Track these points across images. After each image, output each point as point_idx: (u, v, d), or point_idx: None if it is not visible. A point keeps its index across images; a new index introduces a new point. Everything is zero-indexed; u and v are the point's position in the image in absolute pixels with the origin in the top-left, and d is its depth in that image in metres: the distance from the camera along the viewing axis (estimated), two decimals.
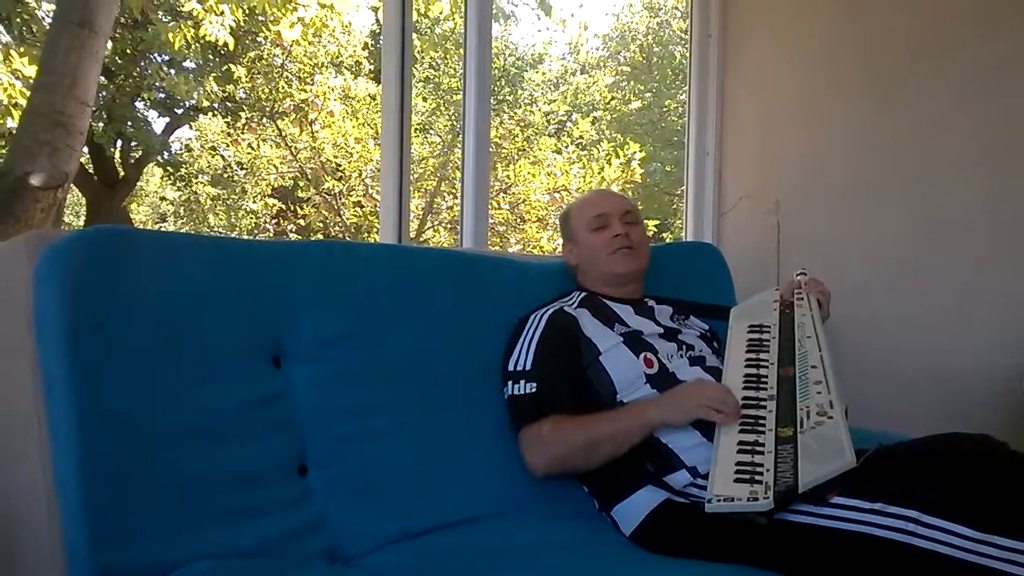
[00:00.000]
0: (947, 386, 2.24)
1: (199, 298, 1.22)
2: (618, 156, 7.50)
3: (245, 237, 6.01)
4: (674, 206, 10.24)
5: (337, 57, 8.25)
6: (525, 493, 1.44)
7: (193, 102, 8.49)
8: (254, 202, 8.90)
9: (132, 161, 9.26)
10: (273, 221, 8.61)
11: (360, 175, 7.66)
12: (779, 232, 2.54)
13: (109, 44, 6.04)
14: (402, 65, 1.99)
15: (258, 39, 8.08)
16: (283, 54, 8.04)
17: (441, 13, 7.83)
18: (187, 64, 8.34)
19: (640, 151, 7.70)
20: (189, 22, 6.23)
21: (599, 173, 7.50)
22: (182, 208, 10.11)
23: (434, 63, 9.30)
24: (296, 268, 1.36)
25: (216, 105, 8.75)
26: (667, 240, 8.24)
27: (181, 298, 1.19)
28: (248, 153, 8.08)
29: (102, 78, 6.64)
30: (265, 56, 8.18)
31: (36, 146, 3.87)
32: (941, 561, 1.05)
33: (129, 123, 8.60)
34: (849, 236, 2.46)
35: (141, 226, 10.25)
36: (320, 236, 7.85)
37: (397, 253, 1.67)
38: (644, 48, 11.74)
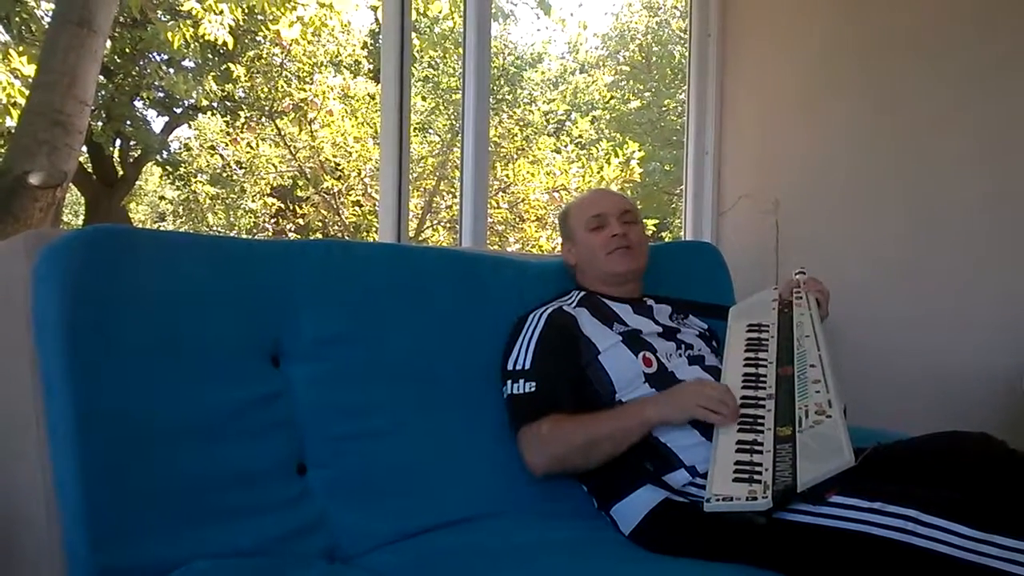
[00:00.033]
0: (946, 385, 2.24)
1: (198, 297, 1.22)
2: (617, 155, 7.50)
3: (244, 236, 6.02)
4: (673, 205, 10.24)
5: (336, 56, 8.25)
6: (524, 492, 1.44)
7: (192, 101, 8.48)
8: (253, 201, 8.89)
9: (131, 160, 9.26)
10: (272, 220, 8.61)
11: (359, 174, 7.66)
12: (778, 232, 2.54)
13: (108, 43, 6.04)
14: (401, 64, 1.99)
15: (257, 38, 8.08)
16: (282, 53, 8.03)
17: (440, 12, 7.82)
18: (186, 63, 8.33)
19: (639, 150, 7.70)
20: (188, 21, 6.23)
21: (598, 172, 7.50)
22: (181, 207, 10.10)
23: (433, 62, 9.30)
24: (295, 267, 1.36)
25: (215, 104, 8.75)
26: (666, 239, 8.24)
27: (180, 297, 1.19)
28: (247, 152, 8.07)
29: (101, 77, 6.64)
30: (264, 55, 8.18)
31: (35, 145, 3.87)
32: (940, 560, 1.05)
33: (128, 122, 8.60)
34: (848, 236, 2.46)
35: (140, 225, 10.24)
36: (319, 235, 7.85)
37: (396, 252, 1.66)
38: (643, 47, 11.74)
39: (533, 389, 1.44)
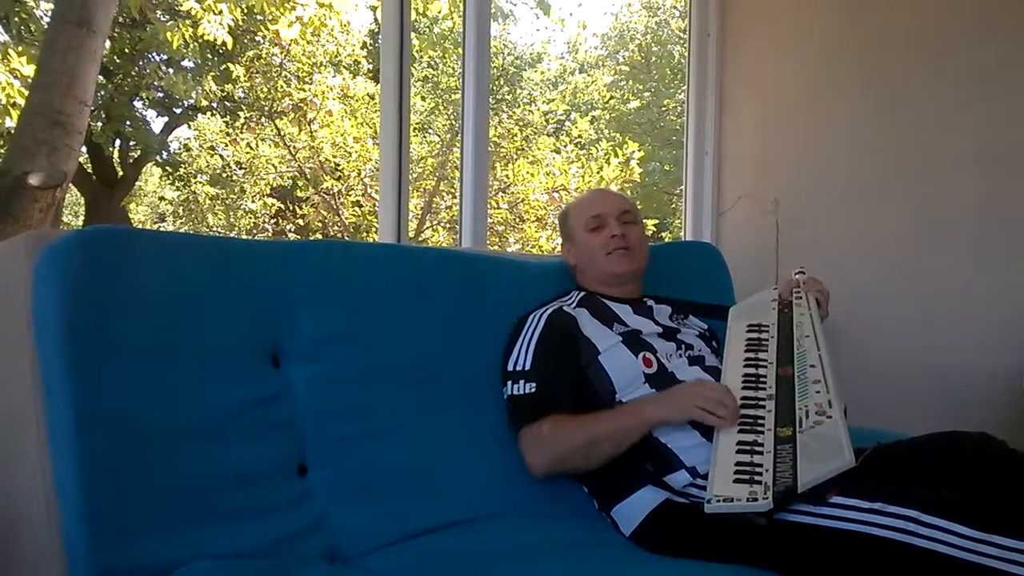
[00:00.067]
0: (947, 385, 2.24)
1: (198, 298, 1.22)
2: (617, 155, 7.50)
3: (244, 237, 6.02)
4: (673, 205, 10.25)
5: (336, 56, 8.24)
6: (525, 493, 1.44)
7: (191, 101, 8.48)
8: (253, 202, 8.89)
9: (131, 161, 9.26)
10: (272, 221, 8.61)
11: (359, 174, 7.66)
12: (778, 232, 2.54)
13: (107, 43, 6.04)
14: (401, 64, 1.99)
15: (256, 38, 8.07)
16: (281, 53, 8.03)
17: (440, 12, 7.82)
18: (185, 63, 8.33)
19: (639, 150, 7.70)
20: (187, 21, 6.22)
21: (598, 172, 7.50)
22: (181, 208, 10.10)
23: (433, 62, 9.30)
24: (295, 268, 1.36)
25: (215, 104, 8.75)
26: (666, 239, 8.24)
27: (180, 298, 1.19)
28: (247, 152, 8.07)
29: (100, 77, 6.63)
30: (264, 55, 8.18)
31: (35, 145, 3.86)
32: (941, 560, 1.05)
33: (128, 122, 8.60)
34: (848, 235, 2.46)
35: (140, 226, 10.24)
36: (319, 236, 7.85)
37: (396, 252, 1.66)
38: (643, 47, 11.74)
39: (533, 390, 1.44)
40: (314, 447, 1.29)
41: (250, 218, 9.14)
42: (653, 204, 10.30)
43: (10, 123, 5.24)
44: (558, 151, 8.75)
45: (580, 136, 9.70)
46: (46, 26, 5.67)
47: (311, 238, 7.08)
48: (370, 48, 8.58)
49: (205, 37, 6.04)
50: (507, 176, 7.64)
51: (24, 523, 1.11)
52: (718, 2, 2.72)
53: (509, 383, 1.48)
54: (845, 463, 1.14)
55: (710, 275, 2.05)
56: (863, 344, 2.27)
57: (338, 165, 7.74)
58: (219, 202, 9.21)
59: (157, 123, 9.48)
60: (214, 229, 9.37)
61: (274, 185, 8.49)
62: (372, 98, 7.78)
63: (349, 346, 1.38)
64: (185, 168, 9.44)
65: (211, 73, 8.11)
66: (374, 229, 7.49)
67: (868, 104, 2.43)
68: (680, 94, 10.17)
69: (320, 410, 1.32)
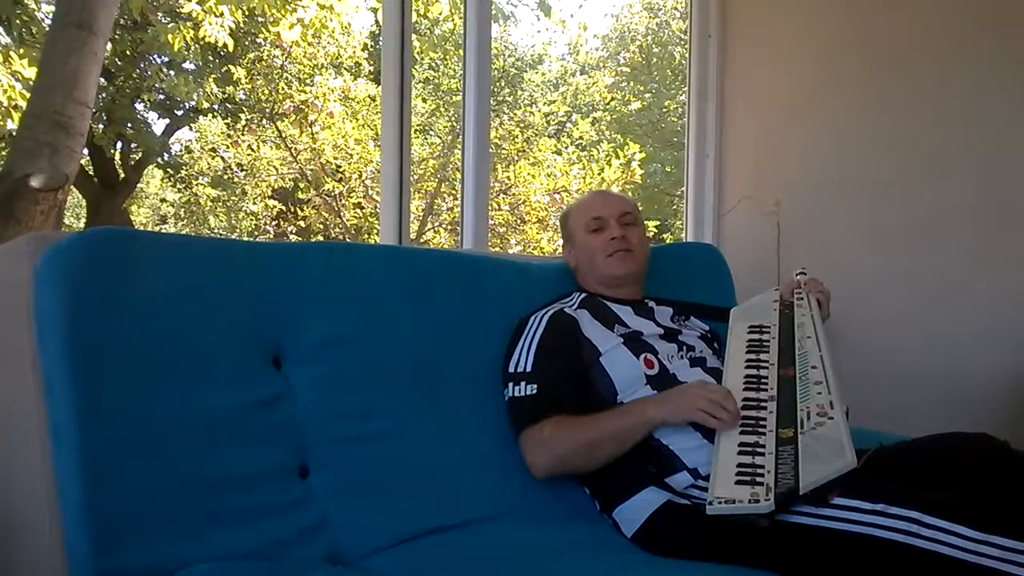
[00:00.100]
0: (948, 384, 2.24)
1: (199, 299, 1.22)
2: (618, 157, 7.50)
3: (245, 239, 6.02)
4: (674, 207, 10.24)
5: (337, 58, 8.25)
6: (526, 495, 1.44)
7: (193, 103, 8.48)
8: (254, 204, 8.90)
9: (132, 163, 9.26)
10: (273, 223, 8.61)
11: (360, 176, 7.66)
12: (779, 232, 2.54)
13: (109, 46, 6.04)
14: (402, 66, 1.99)
15: (258, 40, 8.08)
16: (283, 55, 8.04)
17: (440, 14, 7.81)
18: (187, 65, 8.34)
19: (640, 152, 7.70)
20: (188, 23, 6.23)
21: (599, 174, 7.50)
22: (182, 210, 10.12)
23: (434, 64, 9.30)
24: (296, 270, 1.36)
25: (216, 106, 8.76)
26: (667, 241, 8.24)
27: (181, 299, 1.19)
28: (248, 154, 8.08)
29: (102, 80, 6.64)
30: (265, 57, 8.18)
31: (36, 148, 3.86)
32: (943, 562, 1.05)
33: (129, 125, 8.60)
34: (849, 236, 2.46)
35: (141, 228, 10.26)
36: (320, 237, 7.85)
37: (397, 254, 1.67)
38: (644, 49, 11.74)
39: (534, 391, 1.44)
40: (315, 449, 1.29)
41: (251, 220, 9.15)
42: (654, 205, 10.30)
43: (12, 125, 5.25)
44: (559, 152, 8.76)
45: (581, 137, 9.71)
46: (47, 28, 5.68)
47: (312, 240, 7.10)
48: (371, 50, 8.59)
49: (206, 39, 6.04)
50: (508, 178, 7.65)
51: (25, 525, 1.11)
52: (719, 3, 2.73)
53: (510, 385, 1.48)
54: (847, 464, 1.14)
55: (711, 276, 2.05)
56: (863, 344, 2.27)
57: (339, 167, 7.75)
58: (220, 204, 9.23)
59: (158, 125, 9.52)
60: (215, 231, 9.38)
61: (275, 187, 8.50)
62: (373, 100, 7.79)
63: (350, 348, 1.38)
64: (186, 170, 9.46)
65: (212, 75, 8.12)
66: (375, 231, 7.49)
67: (868, 104, 2.43)
68: (681, 95, 10.17)
69: (321, 412, 1.32)
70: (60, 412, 1.03)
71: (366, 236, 7.75)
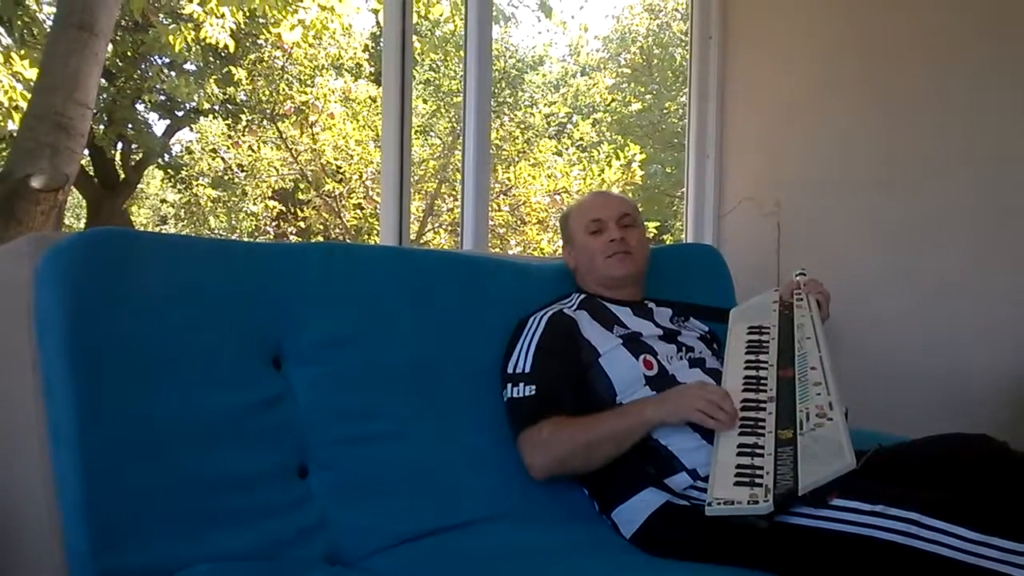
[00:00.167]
0: (947, 385, 2.24)
1: (200, 300, 1.22)
2: (618, 158, 7.50)
3: (245, 239, 6.03)
4: (674, 208, 10.25)
5: (337, 59, 8.25)
6: (525, 495, 1.44)
7: (194, 104, 8.49)
8: (254, 204, 8.90)
9: (133, 163, 9.27)
10: (274, 223, 8.61)
11: (360, 177, 7.66)
12: (779, 233, 2.55)
13: (110, 47, 6.05)
14: (402, 67, 1.99)
15: (258, 41, 8.08)
16: (283, 56, 8.04)
17: (441, 15, 7.82)
18: (188, 66, 8.35)
19: (640, 153, 7.69)
20: (189, 24, 6.23)
21: (599, 175, 7.50)
22: (183, 210, 10.12)
23: (434, 65, 9.30)
24: (297, 270, 1.36)
25: (217, 107, 8.76)
26: (667, 242, 8.24)
27: (182, 300, 1.20)
28: (248, 155, 8.08)
29: (103, 80, 6.65)
30: (265, 58, 8.18)
31: (37, 148, 3.86)
32: (942, 563, 1.05)
33: (130, 125, 8.61)
34: (849, 236, 2.46)
35: (142, 228, 10.27)
36: (320, 238, 7.85)
37: (397, 255, 1.67)
38: (644, 50, 11.74)
39: (533, 392, 1.44)
40: (315, 449, 1.29)
41: (252, 221, 9.15)
42: (655, 206, 10.30)
43: (12, 126, 5.25)
44: (560, 153, 8.76)
45: (582, 139, 9.71)
46: (48, 29, 5.68)
47: (313, 241, 7.11)
48: (372, 51, 8.59)
49: (207, 40, 6.04)
50: (508, 179, 7.64)
51: (25, 525, 1.11)
52: (719, 4, 2.73)
53: (509, 386, 1.48)
54: (846, 465, 1.14)
55: (711, 277, 2.05)
56: (863, 344, 2.27)
57: (340, 168, 7.75)
58: (221, 205, 9.22)
59: (159, 126, 9.52)
60: (216, 232, 9.38)
61: (276, 188, 8.49)
62: (374, 101, 7.78)
63: (350, 348, 1.38)
64: (187, 171, 9.46)
65: (213, 76, 8.12)
66: (376, 232, 7.49)
67: (868, 104, 2.43)
68: (682, 96, 10.17)
69: (321, 412, 1.32)
70: (60, 412, 1.03)
71: (366, 237, 7.75)
